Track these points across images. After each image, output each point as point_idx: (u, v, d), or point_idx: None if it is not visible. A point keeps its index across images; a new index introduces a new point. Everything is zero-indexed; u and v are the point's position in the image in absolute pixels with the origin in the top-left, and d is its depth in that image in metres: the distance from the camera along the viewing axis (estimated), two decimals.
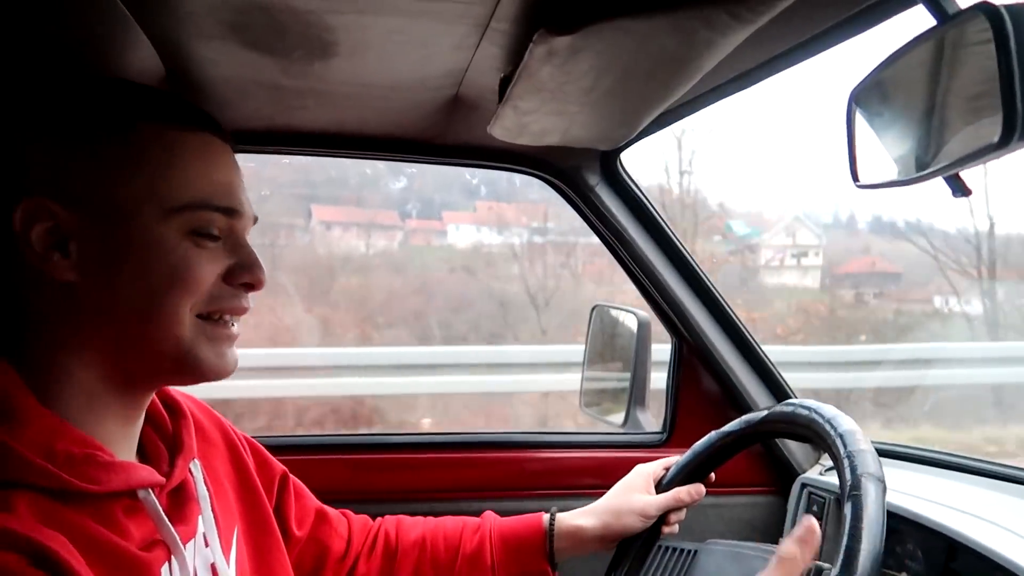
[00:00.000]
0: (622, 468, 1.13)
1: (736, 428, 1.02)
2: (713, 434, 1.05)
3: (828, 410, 0.93)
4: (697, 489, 1.06)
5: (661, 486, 1.09)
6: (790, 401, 0.97)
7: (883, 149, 0.74)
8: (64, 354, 0.66)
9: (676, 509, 1.07)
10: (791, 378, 1.48)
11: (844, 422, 0.90)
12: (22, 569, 0.54)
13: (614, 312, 1.67)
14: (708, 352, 1.42)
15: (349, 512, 1.09)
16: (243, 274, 0.71)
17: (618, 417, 1.58)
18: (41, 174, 0.65)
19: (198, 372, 0.71)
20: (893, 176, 0.73)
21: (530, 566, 1.06)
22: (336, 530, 1.02)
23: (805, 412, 0.94)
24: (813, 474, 1.36)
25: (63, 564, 0.56)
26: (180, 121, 0.69)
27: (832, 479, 1.27)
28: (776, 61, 0.91)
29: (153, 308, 0.67)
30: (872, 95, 0.76)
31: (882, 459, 0.86)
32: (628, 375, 1.56)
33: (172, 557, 0.68)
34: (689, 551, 1.02)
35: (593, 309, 1.70)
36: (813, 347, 5.42)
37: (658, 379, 1.54)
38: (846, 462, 0.85)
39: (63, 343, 0.66)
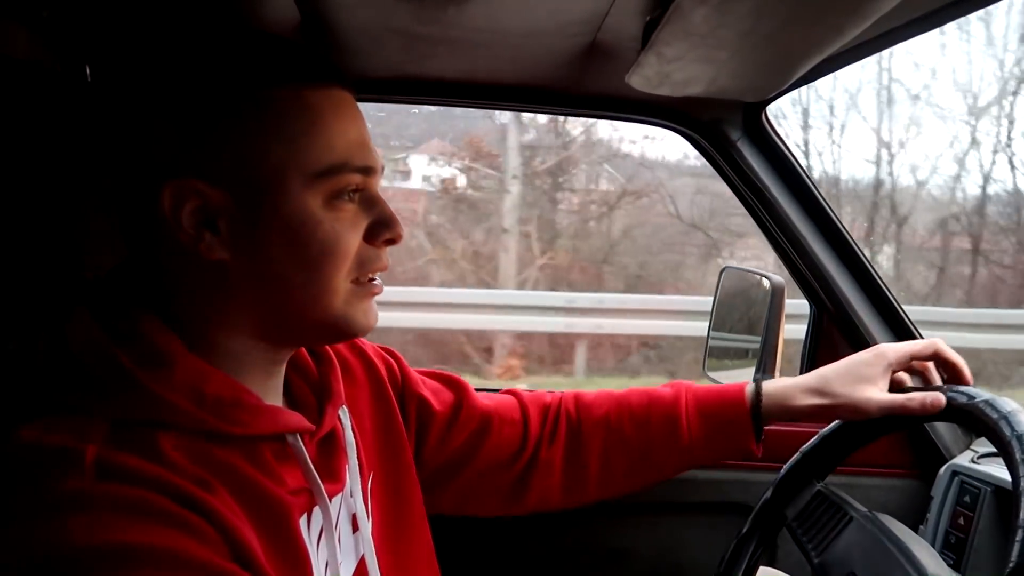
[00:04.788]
0: None
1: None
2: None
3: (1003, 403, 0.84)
4: (934, 400, 0.88)
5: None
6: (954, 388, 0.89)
7: None
8: (211, 326, 0.66)
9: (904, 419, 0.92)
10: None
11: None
12: (164, 506, 0.55)
13: (745, 275, 1.58)
14: (851, 323, 1.31)
15: (518, 391, 1.03)
16: (384, 231, 0.69)
17: None
18: (183, 153, 0.63)
19: (348, 334, 0.71)
20: None
21: (732, 444, 0.97)
22: (507, 419, 0.97)
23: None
24: (963, 461, 1.25)
25: (207, 504, 0.57)
26: (315, 79, 0.66)
27: (989, 468, 1.16)
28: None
29: (308, 282, 0.66)
30: None
31: None
32: (757, 341, 1.48)
33: (316, 507, 0.69)
34: (846, 515, 0.93)
35: (722, 271, 1.62)
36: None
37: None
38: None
39: (211, 317, 0.66)
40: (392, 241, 0.70)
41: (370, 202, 0.69)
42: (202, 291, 0.65)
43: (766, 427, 0.98)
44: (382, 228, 0.69)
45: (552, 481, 0.97)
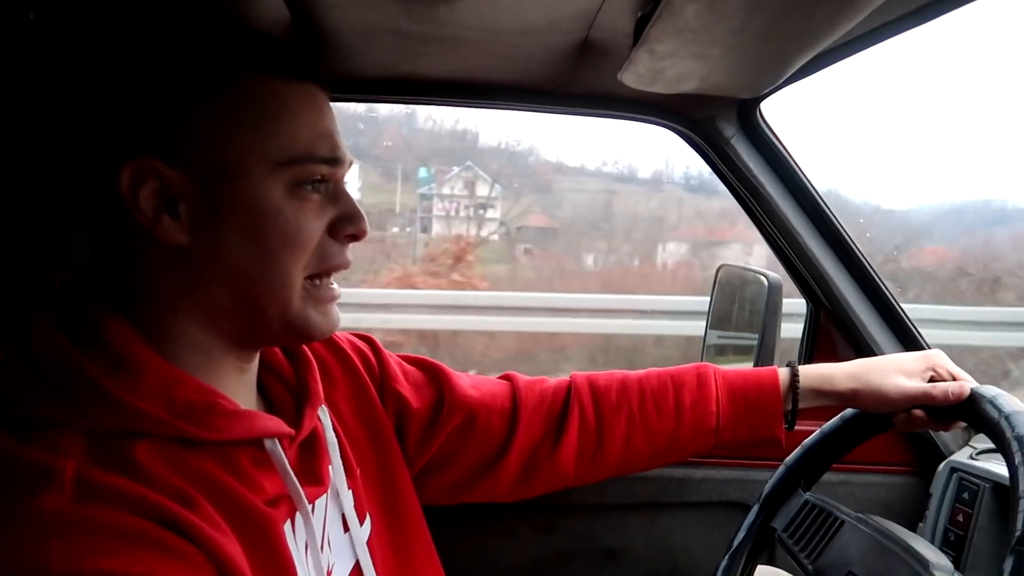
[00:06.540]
0: None
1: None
2: None
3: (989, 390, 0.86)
4: (957, 390, 0.89)
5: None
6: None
7: None
8: (176, 315, 0.65)
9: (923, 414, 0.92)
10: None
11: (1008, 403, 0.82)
12: (146, 530, 0.53)
13: (742, 272, 1.58)
14: (848, 320, 1.31)
15: (514, 376, 0.98)
16: (347, 226, 0.68)
17: None
18: (145, 133, 0.61)
19: (307, 334, 0.69)
20: None
21: (763, 431, 0.95)
22: (495, 409, 0.93)
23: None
24: (962, 457, 1.24)
25: (188, 522, 0.55)
26: (285, 71, 0.65)
27: (987, 464, 1.15)
28: None
29: (266, 271, 0.65)
30: None
31: None
32: (754, 338, 1.48)
33: (297, 513, 0.67)
34: (837, 519, 0.93)
35: (719, 268, 1.62)
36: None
37: None
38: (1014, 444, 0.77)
39: (175, 305, 0.65)
40: (355, 237, 0.69)
41: (336, 195, 0.68)
42: (164, 277, 0.64)
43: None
44: (346, 222, 0.68)
45: (563, 469, 0.95)
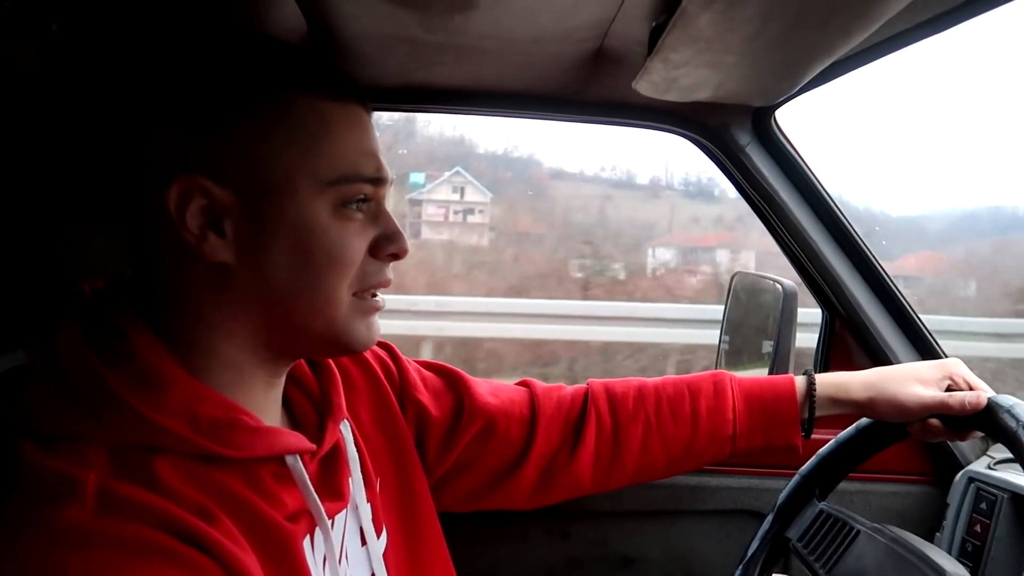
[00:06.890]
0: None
1: None
2: None
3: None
4: (974, 400, 0.89)
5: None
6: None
7: None
8: (212, 332, 0.65)
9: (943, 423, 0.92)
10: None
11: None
12: (165, 543, 0.54)
13: (756, 280, 1.57)
14: (865, 328, 1.30)
15: (532, 383, 0.99)
16: (389, 246, 0.69)
17: None
18: (193, 150, 0.62)
19: (349, 347, 0.70)
20: None
21: (779, 438, 0.95)
22: (514, 417, 0.94)
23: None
24: (980, 467, 1.23)
25: (208, 537, 0.56)
26: (331, 91, 0.66)
27: (1006, 474, 1.14)
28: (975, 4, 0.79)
29: (311, 290, 0.65)
30: None
31: None
32: (769, 346, 1.47)
33: (317, 528, 0.67)
34: (852, 529, 0.92)
35: (734, 275, 1.61)
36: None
37: None
38: None
39: (211, 323, 0.65)
40: (396, 256, 0.70)
41: (377, 215, 0.69)
42: (203, 295, 0.64)
43: None
44: (387, 242, 0.69)
45: (580, 477, 0.95)
